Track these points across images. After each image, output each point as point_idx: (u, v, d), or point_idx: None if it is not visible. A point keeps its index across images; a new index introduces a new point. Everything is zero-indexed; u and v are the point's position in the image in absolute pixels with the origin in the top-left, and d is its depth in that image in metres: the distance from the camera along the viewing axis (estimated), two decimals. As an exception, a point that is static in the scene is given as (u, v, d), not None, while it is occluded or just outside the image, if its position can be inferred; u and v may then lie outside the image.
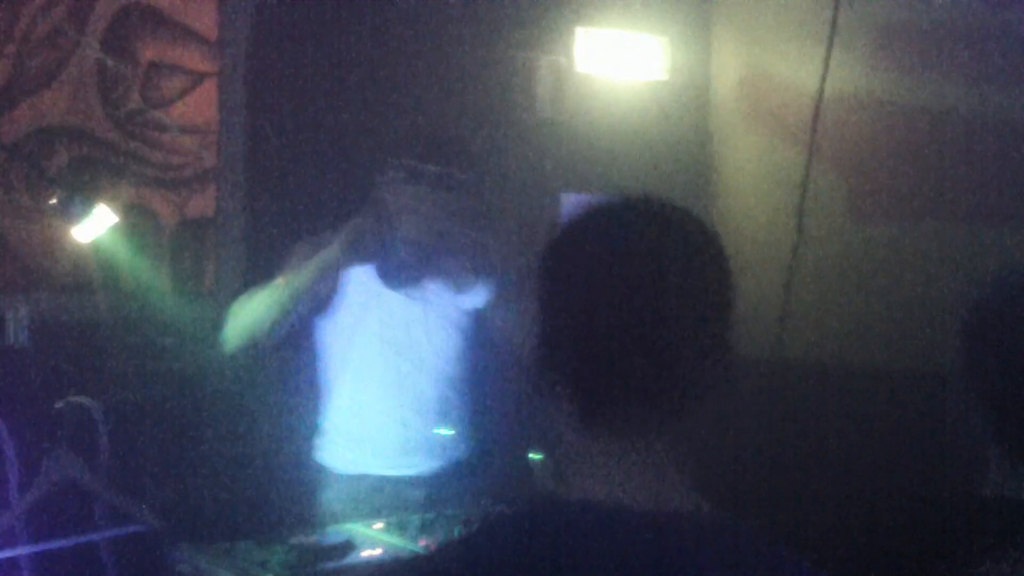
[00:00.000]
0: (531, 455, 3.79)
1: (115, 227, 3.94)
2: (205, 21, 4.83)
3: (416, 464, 3.70)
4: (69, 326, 4.24)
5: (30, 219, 4.43)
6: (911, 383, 4.48)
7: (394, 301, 3.68)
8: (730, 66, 5.16)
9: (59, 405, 3.66)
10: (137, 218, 4.58)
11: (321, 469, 3.79)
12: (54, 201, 3.92)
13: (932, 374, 4.12)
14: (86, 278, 4.36)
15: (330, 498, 3.69)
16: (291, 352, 3.91)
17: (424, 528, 3.21)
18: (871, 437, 4.45)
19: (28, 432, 3.60)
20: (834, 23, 4.73)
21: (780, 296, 4.81)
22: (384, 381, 3.69)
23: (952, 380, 4.24)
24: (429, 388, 3.71)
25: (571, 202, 4.93)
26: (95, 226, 3.90)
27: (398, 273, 3.67)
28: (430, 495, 3.64)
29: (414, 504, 3.55)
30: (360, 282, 3.69)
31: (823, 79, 4.75)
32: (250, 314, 3.61)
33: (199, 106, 4.80)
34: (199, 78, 4.81)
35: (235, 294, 4.50)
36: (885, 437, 4.42)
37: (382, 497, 3.63)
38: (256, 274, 4.50)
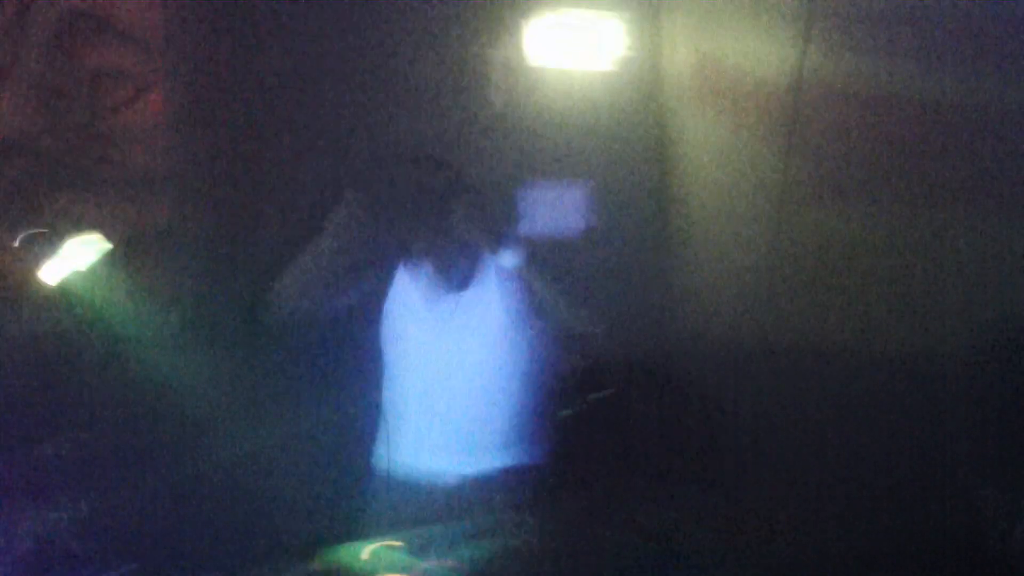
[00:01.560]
0: None
1: (81, 272, 3.92)
2: (149, 27, 4.74)
3: (473, 462, 3.75)
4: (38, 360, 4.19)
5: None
6: (901, 367, 4.50)
7: (445, 301, 3.75)
8: (682, 51, 5.13)
9: (43, 451, 3.62)
10: (88, 232, 4.49)
11: (375, 471, 3.82)
12: (18, 243, 3.87)
13: (919, 356, 4.16)
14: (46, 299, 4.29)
15: (367, 508, 3.72)
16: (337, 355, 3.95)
17: (447, 547, 3.20)
18: (865, 424, 4.46)
19: (8, 481, 3.55)
20: (810, 4, 4.73)
21: (762, 284, 4.82)
22: (436, 382, 3.76)
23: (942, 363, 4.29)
24: (482, 387, 3.77)
25: (528, 194, 4.90)
26: (62, 266, 3.88)
27: (451, 274, 3.75)
28: (484, 496, 3.66)
29: (445, 520, 3.55)
30: (410, 285, 3.76)
31: (801, 63, 4.74)
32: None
33: (145, 115, 4.71)
34: (145, 86, 4.72)
35: (193, 305, 4.46)
36: (880, 423, 4.43)
37: (419, 509, 3.67)
38: (212, 284, 4.47)
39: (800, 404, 4.66)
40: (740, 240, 5.02)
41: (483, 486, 3.73)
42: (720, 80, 5.11)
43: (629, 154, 5.00)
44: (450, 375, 3.76)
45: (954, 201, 4.52)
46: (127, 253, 4.53)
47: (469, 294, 3.82)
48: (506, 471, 3.71)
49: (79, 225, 4.41)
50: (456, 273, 3.83)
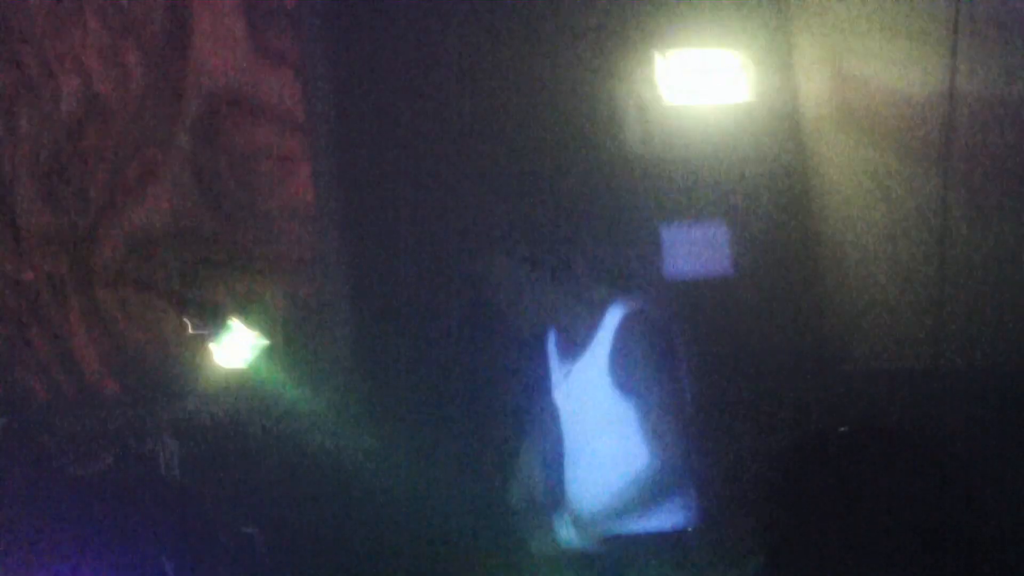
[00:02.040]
0: None
1: (261, 347, 4.07)
2: (292, 105, 4.88)
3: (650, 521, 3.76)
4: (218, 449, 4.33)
5: (145, 324, 4.56)
6: None
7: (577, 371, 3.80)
8: (819, 76, 5.07)
9: (225, 539, 3.77)
10: (251, 309, 4.66)
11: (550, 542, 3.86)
12: (201, 330, 4.04)
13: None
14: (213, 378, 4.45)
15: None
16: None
17: None
18: None
19: (194, 569, 3.70)
20: (957, 17, 4.64)
21: (929, 305, 4.74)
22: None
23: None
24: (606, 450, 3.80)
25: (670, 234, 4.92)
26: (239, 346, 4.04)
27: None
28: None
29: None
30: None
31: (951, 77, 4.65)
32: None
33: (295, 191, 4.85)
34: (293, 162, 4.86)
35: (349, 374, 4.59)
36: None
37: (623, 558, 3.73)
38: (365, 355, 4.58)
39: (981, 431, 4.55)
40: (900, 269, 4.93)
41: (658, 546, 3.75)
42: (864, 102, 5.03)
43: (770, 187, 4.97)
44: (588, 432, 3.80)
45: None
46: (288, 330, 4.69)
47: (596, 349, 3.83)
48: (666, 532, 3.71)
49: (244, 305, 4.58)
50: (581, 329, 3.82)
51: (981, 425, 4.43)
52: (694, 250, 4.93)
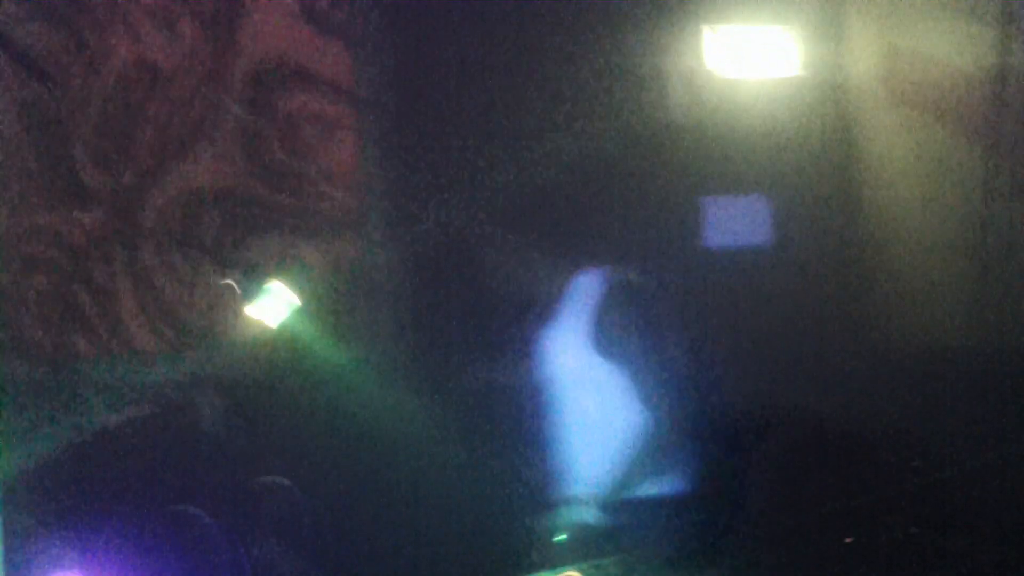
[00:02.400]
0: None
1: (296, 307, 4.09)
2: (339, 70, 4.92)
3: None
4: (256, 400, 4.35)
5: (187, 283, 4.60)
6: None
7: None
8: (868, 52, 5.04)
9: (257, 487, 3.78)
10: (290, 269, 4.69)
11: (549, 505, 3.88)
12: (239, 288, 4.07)
13: None
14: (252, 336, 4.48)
15: (552, 542, 3.79)
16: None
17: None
18: None
19: (230, 519, 3.72)
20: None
21: (970, 284, 4.71)
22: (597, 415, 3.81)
23: None
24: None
25: (713, 207, 4.89)
26: (274, 305, 4.07)
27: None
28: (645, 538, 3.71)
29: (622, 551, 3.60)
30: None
31: (1002, 54, 4.63)
32: None
33: (338, 154, 4.89)
34: (336, 126, 4.90)
35: (389, 337, 4.60)
36: None
37: (598, 540, 3.72)
38: (406, 316, 4.59)
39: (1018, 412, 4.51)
40: (943, 244, 4.90)
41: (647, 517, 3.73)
42: (913, 79, 5.00)
43: (815, 162, 4.94)
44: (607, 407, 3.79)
45: None
46: (327, 290, 4.71)
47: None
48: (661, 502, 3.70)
49: (282, 264, 4.60)
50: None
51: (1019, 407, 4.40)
52: (735, 223, 4.90)
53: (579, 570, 3.35)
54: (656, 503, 3.72)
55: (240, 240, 4.67)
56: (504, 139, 4.94)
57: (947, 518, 4.43)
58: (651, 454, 3.70)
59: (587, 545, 3.67)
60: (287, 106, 4.86)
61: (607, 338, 3.77)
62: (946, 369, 4.68)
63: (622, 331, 3.77)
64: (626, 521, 3.71)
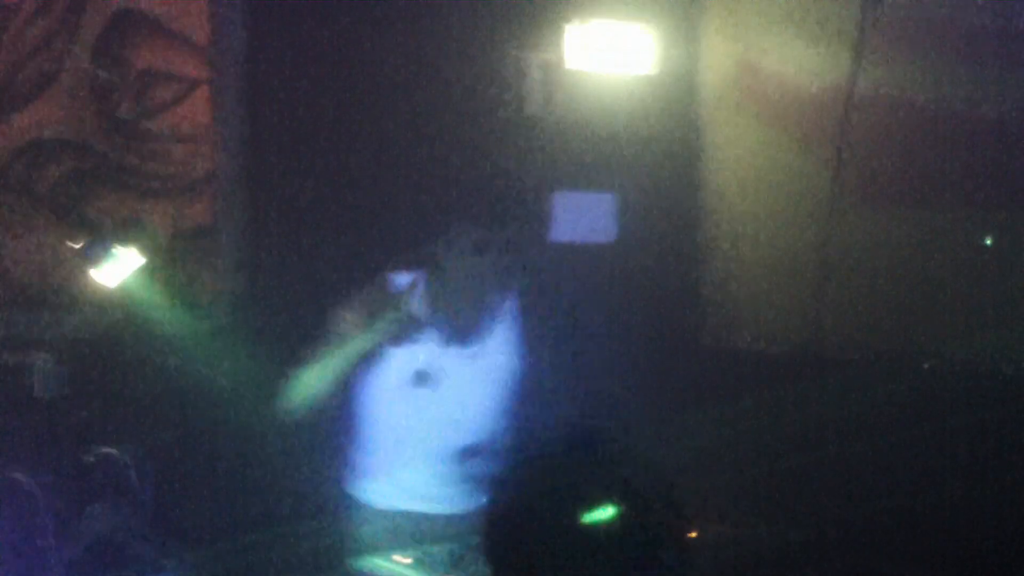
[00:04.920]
0: None
1: (143, 268, 4.01)
2: (196, 27, 4.83)
3: (452, 502, 3.74)
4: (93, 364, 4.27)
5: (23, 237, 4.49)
6: (950, 371, 4.54)
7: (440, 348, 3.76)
8: (720, 59, 5.16)
9: (90, 458, 3.73)
10: (136, 231, 4.61)
11: (355, 503, 3.85)
12: (78, 246, 3.97)
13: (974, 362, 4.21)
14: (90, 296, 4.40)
15: (366, 532, 3.78)
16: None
17: (453, 563, 3.28)
18: (911, 427, 4.48)
19: (61, 487, 3.67)
20: (863, 15, 4.75)
21: (810, 291, 4.85)
22: (425, 419, 3.75)
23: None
24: (469, 427, 3.79)
25: (561, 201, 4.96)
26: (118, 267, 3.98)
27: (455, 333, 3.75)
28: (464, 532, 3.72)
29: (448, 540, 3.62)
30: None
31: (855, 72, 4.76)
32: (313, 384, 3.68)
33: (192, 114, 4.81)
34: (191, 85, 4.82)
35: (235, 305, 4.57)
36: (926, 427, 4.46)
37: (416, 533, 3.71)
38: (255, 283, 4.57)
39: (852, 413, 4.68)
40: (785, 255, 5.04)
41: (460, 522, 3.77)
42: (764, 91, 5.11)
43: (664, 161, 5.04)
44: (440, 409, 3.78)
45: (1009, 209, 4.54)
46: (172, 253, 4.65)
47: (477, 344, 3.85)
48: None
49: (128, 225, 4.52)
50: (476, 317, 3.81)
51: (855, 410, 4.58)
52: (582, 218, 4.98)
53: (407, 556, 3.39)
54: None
55: (83, 197, 4.58)
56: (363, 107, 4.92)
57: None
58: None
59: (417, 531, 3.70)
60: (140, 59, 4.76)
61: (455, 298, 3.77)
62: (782, 370, 4.83)
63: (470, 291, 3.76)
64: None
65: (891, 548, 4.53)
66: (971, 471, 4.38)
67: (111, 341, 4.36)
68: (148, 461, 3.99)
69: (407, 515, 3.76)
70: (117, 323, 4.36)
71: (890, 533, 4.57)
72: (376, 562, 3.31)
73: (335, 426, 3.91)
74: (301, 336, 4.43)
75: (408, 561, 3.33)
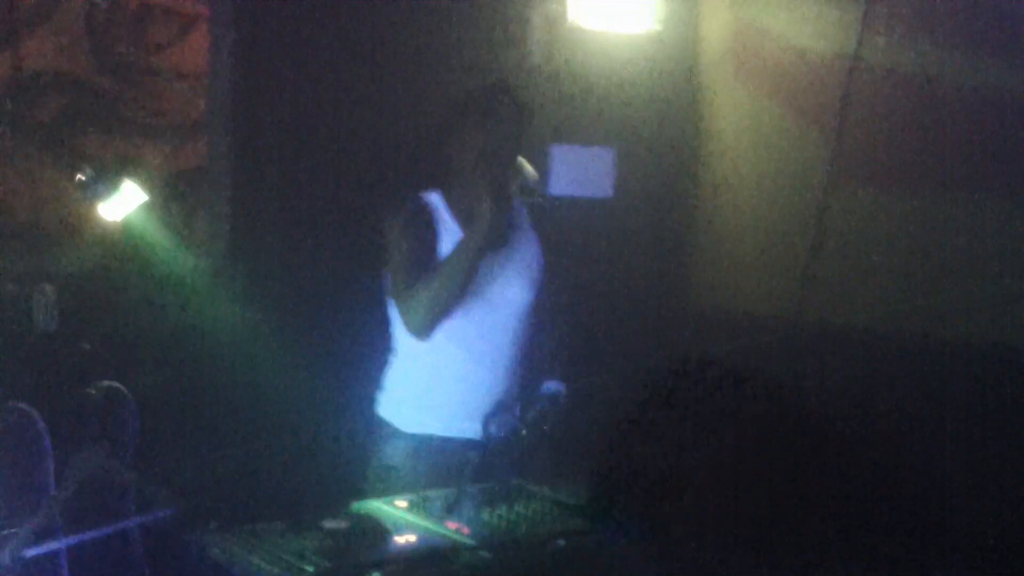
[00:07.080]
0: None
1: (141, 204, 3.97)
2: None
3: (478, 429, 3.78)
4: (92, 299, 4.22)
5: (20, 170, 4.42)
6: (934, 348, 4.59)
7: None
8: (721, 19, 5.17)
9: (90, 391, 3.69)
10: (128, 169, 4.55)
11: (381, 424, 3.88)
12: (81, 178, 3.91)
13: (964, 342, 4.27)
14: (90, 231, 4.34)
15: (389, 454, 3.82)
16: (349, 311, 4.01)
17: (449, 508, 3.28)
18: (894, 402, 4.53)
19: (59, 419, 3.62)
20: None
21: (799, 260, 4.88)
22: (459, 340, 3.80)
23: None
24: (504, 352, 3.84)
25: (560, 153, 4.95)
26: (118, 201, 3.93)
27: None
28: (487, 461, 3.75)
29: (471, 469, 3.63)
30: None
31: (857, 44, 4.77)
32: (439, 304, 3.69)
33: (190, 52, 4.75)
34: (190, 23, 4.76)
35: (226, 246, 4.51)
36: (908, 402, 4.50)
37: (441, 458, 3.77)
38: (244, 226, 4.51)
39: (836, 388, 4.72)
40: (776, 221, 5.07)
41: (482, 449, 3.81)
42: (762, 55, 5.13)
43: (662, 119, 5.06)
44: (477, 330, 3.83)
45: (1007, 189, 4.57)
46: (169, 192, 4.59)
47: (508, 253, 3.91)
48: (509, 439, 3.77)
49: (125, 161, 4.46)
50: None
51: (836, 380, 4.63)
52: (579, 171, 4.98)
53: (406, 500, 3.39)
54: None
55: (81, 132, 4.51)
56: (361, 52, 4.87)
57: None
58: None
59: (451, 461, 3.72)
60: (139, -3, 4.69)
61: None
62: (768, 335, 4.87)
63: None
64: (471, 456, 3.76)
65: (872, 521, 4.59)
66: (955, 443, 4.42)
67: (111, 277, 4.30)
68: (145, 400, 3.95)
69: (431, 439, 3.79)
70: (117, 259, 4.30)
71: (871, 506, 4.62)
72: (375, 505, 3.31)
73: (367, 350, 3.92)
74: (294, 280, 4.41)
75: (404, 505, 3.33)
